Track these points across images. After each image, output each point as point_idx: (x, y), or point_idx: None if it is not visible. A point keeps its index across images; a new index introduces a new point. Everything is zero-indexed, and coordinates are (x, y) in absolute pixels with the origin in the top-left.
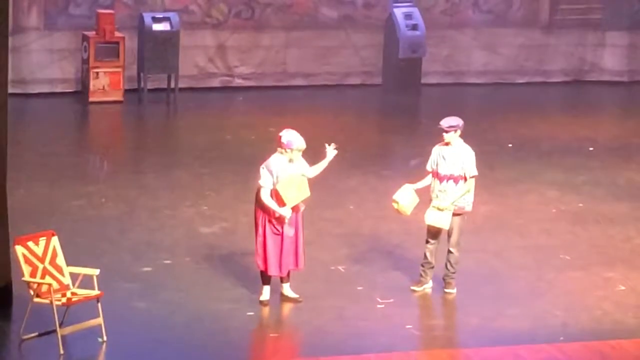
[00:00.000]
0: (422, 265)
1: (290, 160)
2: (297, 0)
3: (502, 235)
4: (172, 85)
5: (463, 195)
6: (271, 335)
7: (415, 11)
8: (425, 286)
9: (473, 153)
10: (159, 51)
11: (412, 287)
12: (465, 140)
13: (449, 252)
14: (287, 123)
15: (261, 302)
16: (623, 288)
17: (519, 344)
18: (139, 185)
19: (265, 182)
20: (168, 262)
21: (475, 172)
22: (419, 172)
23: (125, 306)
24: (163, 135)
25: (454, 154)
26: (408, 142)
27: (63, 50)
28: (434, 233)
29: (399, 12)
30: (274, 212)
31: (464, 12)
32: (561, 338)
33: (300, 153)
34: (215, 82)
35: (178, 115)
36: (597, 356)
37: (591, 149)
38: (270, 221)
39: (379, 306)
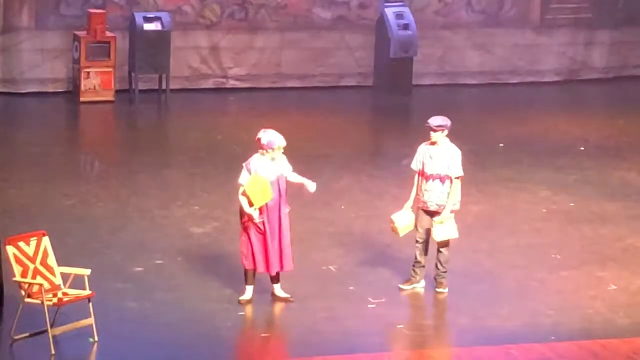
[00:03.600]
0: (413, 265)
1: (273, 159)
2: (291, 1)
3: (493, 235)
4: (164, 85)
5: (452, 200)
6: (262, 335)
7: (406, 11)
8: (415, 285)
9: (460, 153)
10: (150, 51)
11: (400, 285)
12: (457, 140)
13: (439, 251)
14: (280, 124)
15: (240, 301)
16: (614, 287)
17: (511, 343)
18: (130, 185)
19: (243, 180)
20: (159, 262)
21: (461, 173)
22: (410, 172)
23: (117, 306)
24: (154, 135)
25: (440, 154)
26: (399, 142)
27: (54, 49)
28: (419, 233)
29: (390, 12)
30: (246, 212)
31: (457, 12)
32: (552, 337)
33: (282, 150)
34: (209, 84)
35: (170, 115)
36: (589, 355)
37: (582, 148)
38: (252, 221)
39: (370, 306)
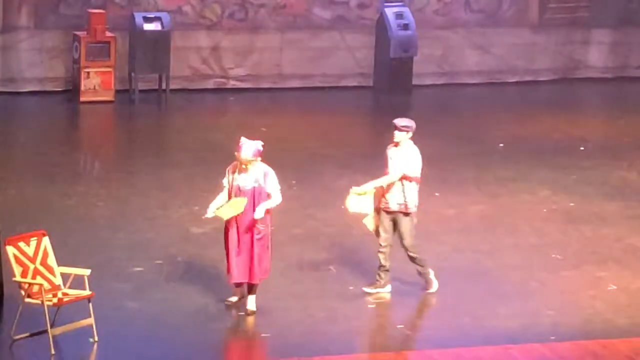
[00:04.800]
0: (378, 268)
1: (245, 166)
2: (290, 0)
3: (493, 235)
4: (164, 86)
5: (383, 184)
6: (263, 335)
7: (406, 11)
8: (379, 290)
9: (419, 156)
10: (149, 51)
11: (364, 289)
12: (458, 140)
13: (409, 256)
14: (280, 124)
15: (226, 302)
16: (614, 287)
17: (511, 344)
18: (130, 185)
19: (224, 182)
20: (159, 262)
21: (411, 173)
22: None
23: (117, 306)
24: (154, 136)
25: (400, 155)
26: None
27: (54, 49)
28: (383, 237)
29: (390, 11)
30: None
31: (456, 12)
32: (552, 337)
33: (249, 165)
34: (210, 84)
35: (170, 115)
36: (589, 355)
37: (582, 148)
38: (226, 228)
39: (370, 306)
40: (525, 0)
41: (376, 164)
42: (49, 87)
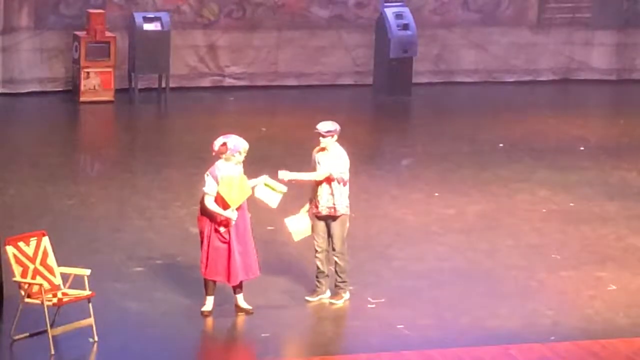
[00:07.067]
0: (317, 276)
1: (238, 163)
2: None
3: (493, 235)
4: (163, 85)
5: (305, 178)
6: (263, 335)
7: (406, 11)
8: (321, 296)
9: (346, 157)
10: (149, 51)
11: (307, 298)
12: (457, 140)
13: (335, 261)
14: (277, 122)
15: (202, 313)
16: (614, 287)
17: (510, 344)
18: (130, 185)
19: (209, 189)
20: (159, 262)
21: (337, 174)
22: (409, 172)
23: (117, 306)
24: (154, 135)
25: (328, 158)
26: (399, 142)
27: (53, 49)
28: (317, 243)
29: (389, 11)
30: (220, 218)
31: (453, 11)
32: (552, 337)
33: (245, 154)
34: (207, 82)
35: (169, 115)
36: (588, 355)
37: (582, 148)
38: (216, 230)
39: (370, 306)
40: (524, 0)
41: (375, 164)
42: (49, 88)
